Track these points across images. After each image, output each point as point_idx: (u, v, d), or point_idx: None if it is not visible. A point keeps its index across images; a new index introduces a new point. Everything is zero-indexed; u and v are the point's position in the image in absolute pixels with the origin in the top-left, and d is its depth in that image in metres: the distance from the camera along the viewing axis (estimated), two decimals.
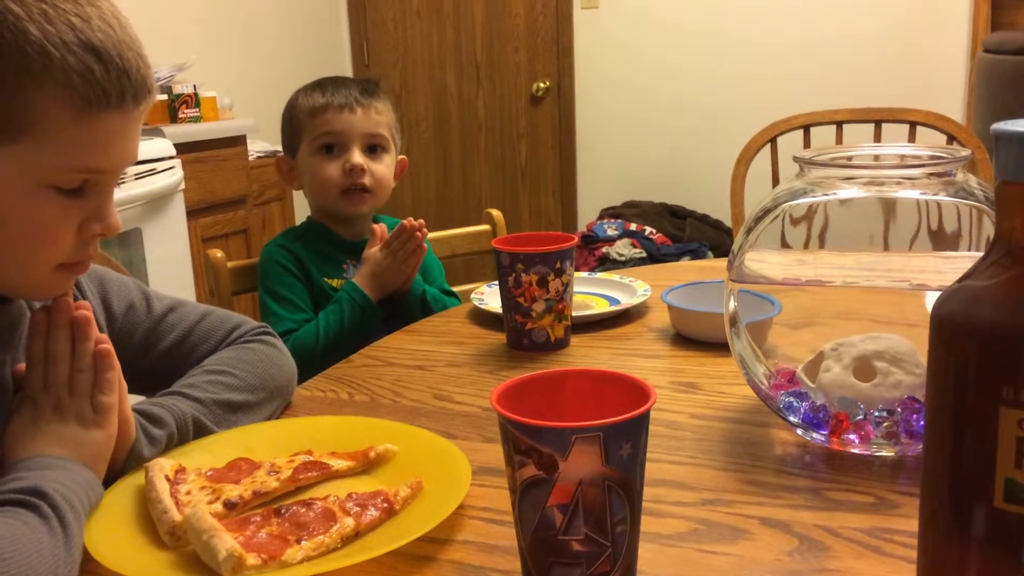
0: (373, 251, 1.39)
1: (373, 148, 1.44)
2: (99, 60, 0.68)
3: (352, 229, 1.48)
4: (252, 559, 0.62)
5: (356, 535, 0.68)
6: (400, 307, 1.42)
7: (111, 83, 0.69)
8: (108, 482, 0.75)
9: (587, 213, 4.16)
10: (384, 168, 1.45)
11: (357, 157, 1.41)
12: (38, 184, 0.69)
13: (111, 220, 0.74)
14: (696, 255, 3.51)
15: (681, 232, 3.70)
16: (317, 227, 1.49)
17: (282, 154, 1.52)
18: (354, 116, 1.41)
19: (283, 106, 1.50)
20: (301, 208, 3.37)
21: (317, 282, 1.43)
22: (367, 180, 1.42)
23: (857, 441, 0.79)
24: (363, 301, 1.36)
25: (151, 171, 2.42)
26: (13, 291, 0.77)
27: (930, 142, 2.24)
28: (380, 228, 1.41)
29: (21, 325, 0.79)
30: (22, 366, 0.76)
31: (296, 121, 1.45)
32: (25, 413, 0.73)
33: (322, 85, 1.44)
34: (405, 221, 1.38)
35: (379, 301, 1.39)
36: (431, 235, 1.65)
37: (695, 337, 1.14)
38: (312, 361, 1.23)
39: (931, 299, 0.49)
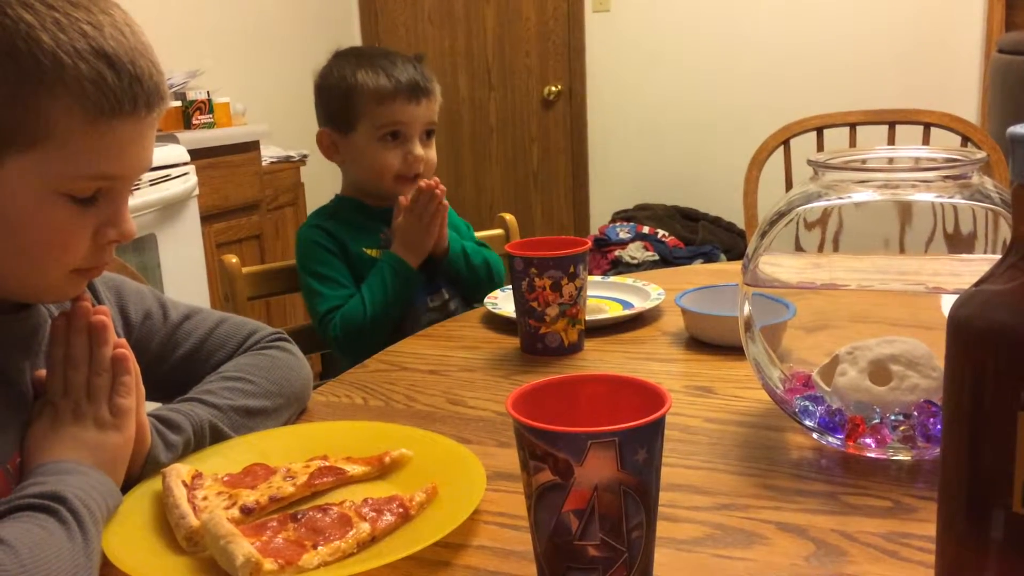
0: (399, 220, 1.42)
1: (428, 134, 1.48)
2: (111, 67, 0.68)
3: (385, 199, 1.50)
4: (269, 564, 0.62)
5: (372, 540, 0.68)
6: (444, 267, 1.45)
7: (123, 90, 0.69)
8: (126, 487, 0.75)
9: (599, 216, 4.15)
10: (433, 153, 1.49)
11: (418, 149, 1.45)
12: (53, 192, 0.69)
13: (126, 226, 0.75)
14: (709, 258, 3.50)
15: (694, 235, 3.69)
16: (350, 202, 1.51)
17: (325, 128, 1.50)
18: (419, 108, 1.44)
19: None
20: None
21: (355, 254, 1.45)
22: (421, 168, 1.46)
23: (873, 445, 0.78)
24: (401, 267, 1.39)
25: (165, 177, 2.44)
26: (27, 294, 0.77)
27: (944, 143, 2.22)
28: (403, 198, 1.42)
29: (41, 332, 0.79)
30: (42, 372, 0.77)
31: (354, 102, 1.44)
32: (45, 418, 0.74)
33: (382, 66, 1.43)
34: (421, 182, 1.41)
35: (421, 266, 1.42)
36: None
37: (709, 341, 1.13)
38: (362, 334, 1.26)
39: (947, 302, 0.49)
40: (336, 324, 1.38)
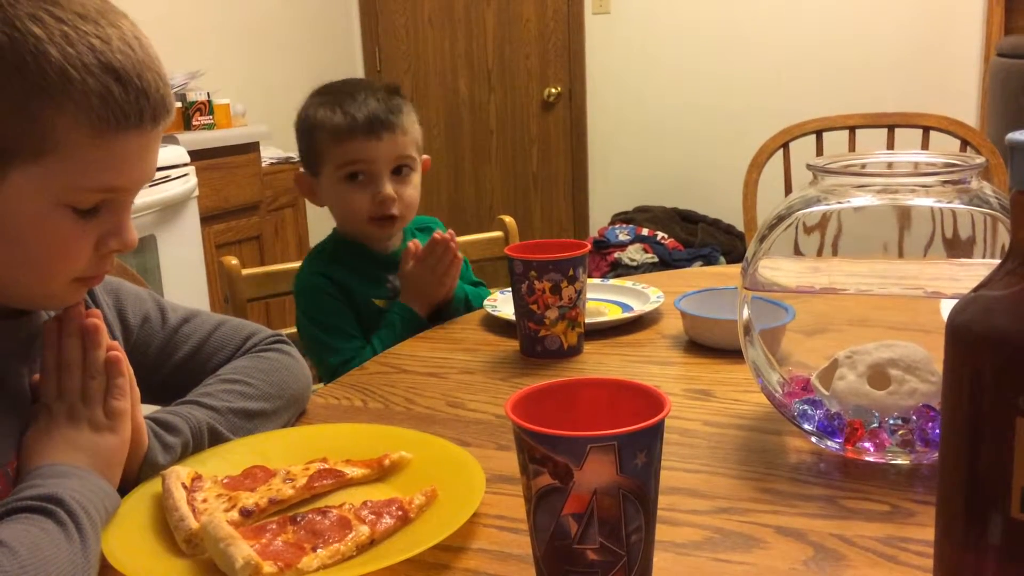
0: (410, 269, 1.35)
1: (399, 170, 1.36)
2: (118, 81, 0.68)
3: (385, 242, 1.43)
4: (269, 567, 0.62)
5: (371, 543, 0.68)
6: (446, 314, 1.40)
7: (130, 104, 0.69)
8: (123, 490, 0.75)
9: (599, 218, 4.16)
10: (412, 190, 1.38)
11: (387, 189, 1.34)
12: (56, 203, 0.70)
13: (128, 237, 0.75)
14: (708, 260, 3.50)
15: (693, 237, 3.70)
16: (350, 245, 1.42)
17: (301, 170, 1.43)
18: (380, 142, 1.32)
19: (296, 113, 1.46)
20: (314, 214, 3.38)
21: (363, 303, 1.38)
22: (396, 209, 1.35)
23: (872, 449, 0.78)
24: (412, 319, 1.34)
25: (165, 178, 2.44)
26: (28, 302, 0.78)
27: (943, 147, 2.23)
28: (414, 244, 1.36)
29: (39, 337, 0.79)
30: (38, 377, 0.77)
31: (315, 142, 1.36)
32: (40, 421, 0.74)
33: (341, 102, 1.34)
34: (436, 234, 1.34)
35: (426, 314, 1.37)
36: None
37: (709, 344, 1.13)
38: None
39: (945, 306, 0.49)
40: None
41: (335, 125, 1.33)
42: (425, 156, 1.46)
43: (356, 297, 1.38)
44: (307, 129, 1.37)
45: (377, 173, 1.34)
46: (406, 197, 1.37)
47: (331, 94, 1.37)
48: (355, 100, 1.33)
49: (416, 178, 1.40)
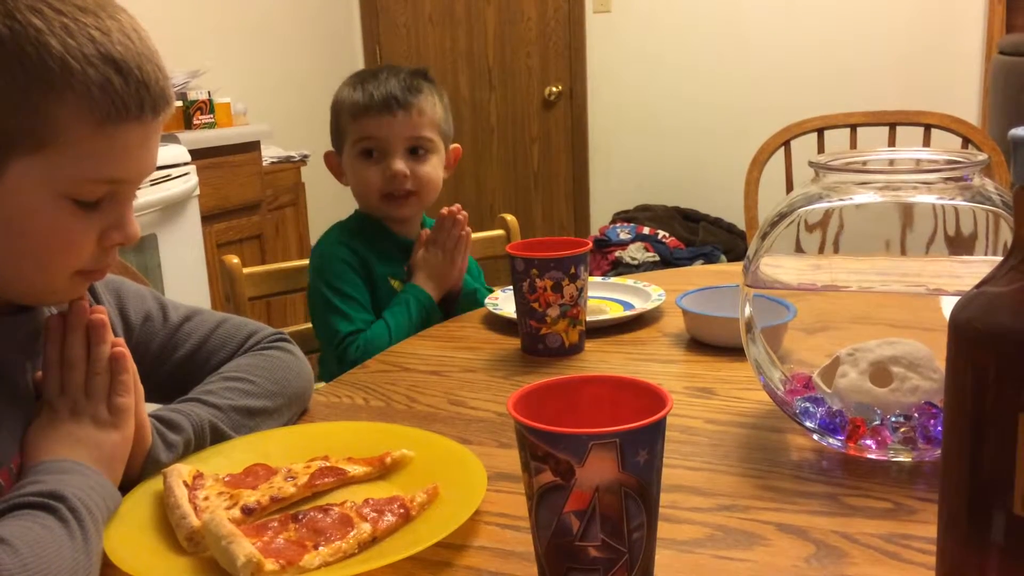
0: (421, 254, 1.38)
1: (414, 150, 1.39)
2: (119, 72, 0.69)
3: (405, 227, 1.45)
4: (270, 564, 0.62)
5: (373, 541, 0.68)
6: (453, 309, 1.41)
7: (130, 95, 0.69)
8: (126, 487, 0.75)
9: (600, 217, 4.16)
10: (429, 169, 1.40)
11: (398, 164, 1.36)
12: (58, 195, 0.70)
13: (130, 229, 0.75)
14: (709, 259, 3.50)
15: (694, 236, 3.69)
16: (373, 223, 1.44)
17: (331, 149, 1.47)
18: (394, 119, 1.36)
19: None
20: (315, 213, 3.38)
21: (380, 280, 1.40)
22: (409, 185, 1.38)
23: (874, 446, 0.78)
24: (427, 301, 1.36)
25: (166, 177, 2.44)
26: (30, 297, 0.78)
27: (945, 145, 2.22)
28: (424, 232, 1.38)
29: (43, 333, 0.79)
30: (41, 373, 0.77)
31: (339, 120, 1.41)
32: (43, 417, 0.74)
33: (364, 81, 1.39)
34: (443, 210, 1.36)
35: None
36: None
37: (710, 342, 1.13)
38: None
39: (947, 304, 0.49)
40: (359, 347, 1.32)
41: (354, 102, 1.38)
42: (455, 145, 1.48)
43: (375, 273, 1.40)
44: (334, 108, 1.43)
45: (390, 150, 1.38)
46: (421, 175, 1.39)
47: (359, 75, 1.43)
48: (376, 80, 1.38)
49: (435, 160, 1.42)
